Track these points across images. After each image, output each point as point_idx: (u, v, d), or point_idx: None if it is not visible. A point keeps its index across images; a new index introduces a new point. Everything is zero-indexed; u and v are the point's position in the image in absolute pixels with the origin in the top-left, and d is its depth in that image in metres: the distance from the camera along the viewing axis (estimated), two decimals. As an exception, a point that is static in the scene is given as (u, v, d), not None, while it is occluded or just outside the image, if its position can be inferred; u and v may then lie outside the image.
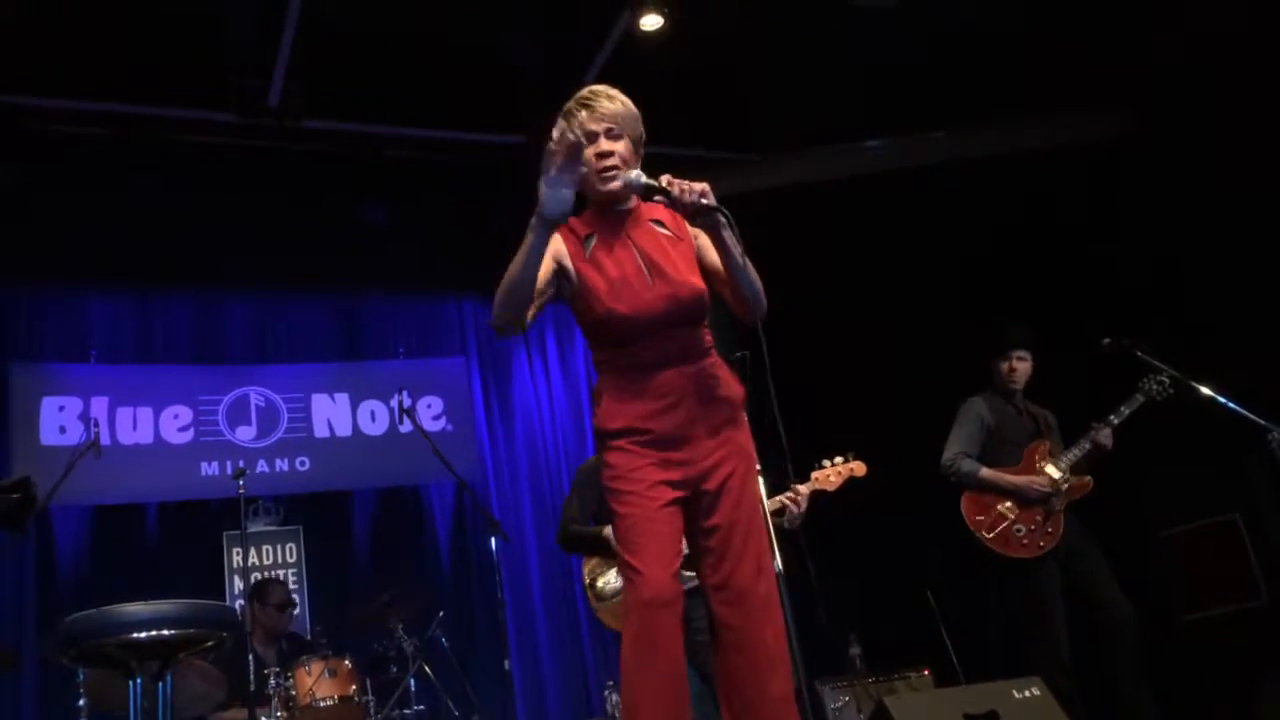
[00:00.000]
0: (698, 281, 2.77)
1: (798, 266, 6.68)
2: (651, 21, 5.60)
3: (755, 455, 2.83)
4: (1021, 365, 4.98)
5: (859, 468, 4.54)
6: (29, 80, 5.34)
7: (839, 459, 4.55)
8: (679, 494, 2.67)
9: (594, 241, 2.79)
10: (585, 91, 2.83)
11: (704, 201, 2.60)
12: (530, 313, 2.69)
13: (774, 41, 5.92)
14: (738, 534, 2.69)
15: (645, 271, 2.74)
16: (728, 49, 5.91)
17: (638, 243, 2.79)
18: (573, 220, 2.81)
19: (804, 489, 4.44)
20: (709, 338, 2.83)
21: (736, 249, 2.70)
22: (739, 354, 3.97)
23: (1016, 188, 6.55)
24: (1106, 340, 4.71)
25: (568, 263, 2.76)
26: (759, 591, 2.67)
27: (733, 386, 2.84)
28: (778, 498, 4.41)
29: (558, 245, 2.77)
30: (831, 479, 4.50)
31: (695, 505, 2.70)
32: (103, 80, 5.45)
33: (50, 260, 6.28)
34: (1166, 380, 4.63)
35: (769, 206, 6.66)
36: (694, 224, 2.75)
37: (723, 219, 2.65)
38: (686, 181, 2.62)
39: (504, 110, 5.98)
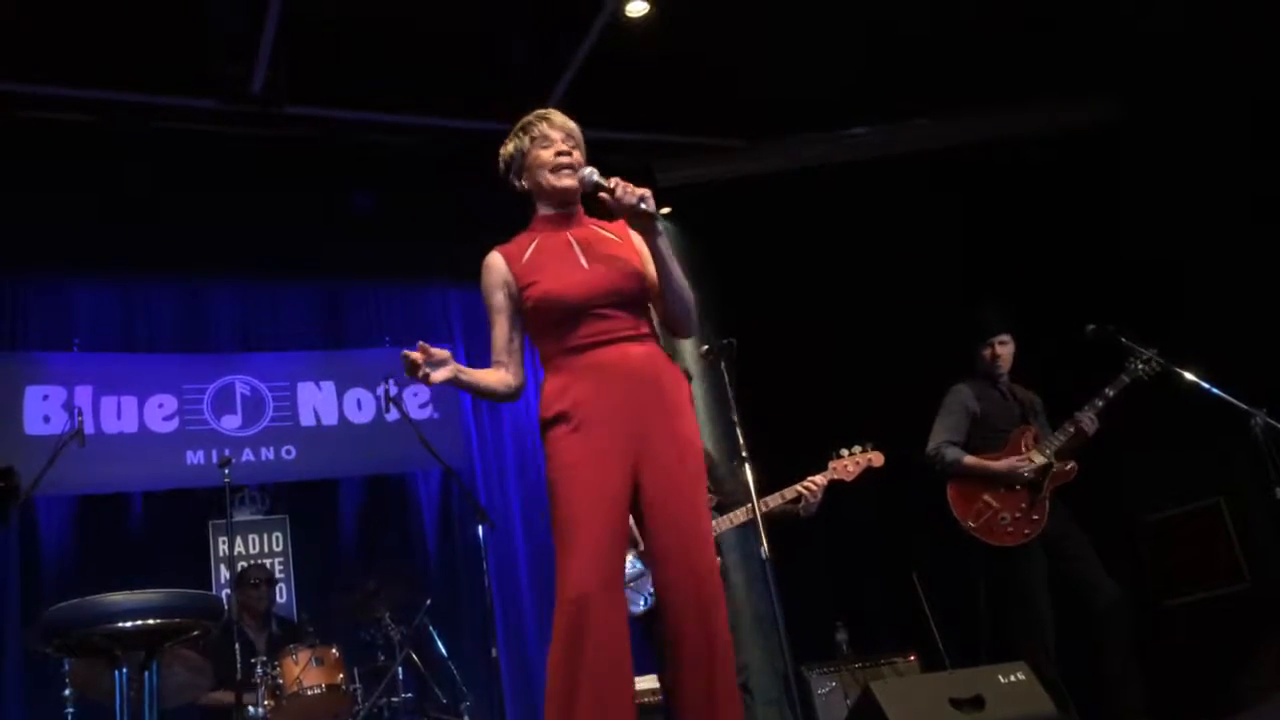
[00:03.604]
0: (638, 264, 2.82)
1: (782, 252, 6.71)
2: (637, 8, 5.59)
3: (701, 446, 2.82)
4: (1004, 350, 4.98)
5: (877, 458, 4.52)
6: (9, 66, 5.29)
7: (856, 448, 4.53)
8: (622, 485, 2.66)
9: (535, 245, 2.88)
10: (539, 110, 2.98)
11: (642, 206, 2.68)
12: (517, 372, 2.87)
13: (760, 27, 5.91)
14: (690, 529, 2.67)
15: (579, 255, 2.82)
16: (713, 35, 5.89)
17: (576, 238, 2.87)
18: (516, 237, 2.94)
19: (820, 479, 4.44)
20: (651, 325, 2.87)
21: (669, 255, 2.78)
22: (726, 340, 3.98)
23: (1003, 174, 6.57)
24: (1091, 327, 4.72)
25: (511, 278, 2.85)
26: (709, 587, 2.65)
27: (678, 376, 2.85)
28: (794, 487, 4.40)
29: (502, 273, 2.86)
30: (849, 468, 4.47)
31: (642, 497, 2.69)
32: (84, 66, 5.40)
33: (32, 248, 6.24)
34: (1151, 359, 4.62)
35: (754, 192, 6.68)
36: (631, 225, 2.81)
37: (658, 225, 2.73)
38: (631, 185, 2.71)
39: (489, 97, 5.95)
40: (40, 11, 5.10)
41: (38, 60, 5.32)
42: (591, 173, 2.82)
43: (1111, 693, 4.47)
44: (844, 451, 4.51)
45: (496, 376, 2.87)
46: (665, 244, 2.77)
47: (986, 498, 4.71)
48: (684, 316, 2.85)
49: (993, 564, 4.70)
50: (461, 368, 2.79)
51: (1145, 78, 6.25)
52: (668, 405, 2.74)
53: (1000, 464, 4.73)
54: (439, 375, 2.71)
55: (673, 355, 3.00)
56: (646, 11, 5.62)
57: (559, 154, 2.86)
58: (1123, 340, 4.68)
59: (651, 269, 2.85)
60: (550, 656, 2.59)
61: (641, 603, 4.35)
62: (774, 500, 4.38)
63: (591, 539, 2.60)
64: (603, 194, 2.76)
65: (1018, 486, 4.69)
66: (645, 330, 2.82)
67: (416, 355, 2.70)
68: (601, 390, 2.70)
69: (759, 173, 6.74)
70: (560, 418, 2.71)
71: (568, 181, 2.85)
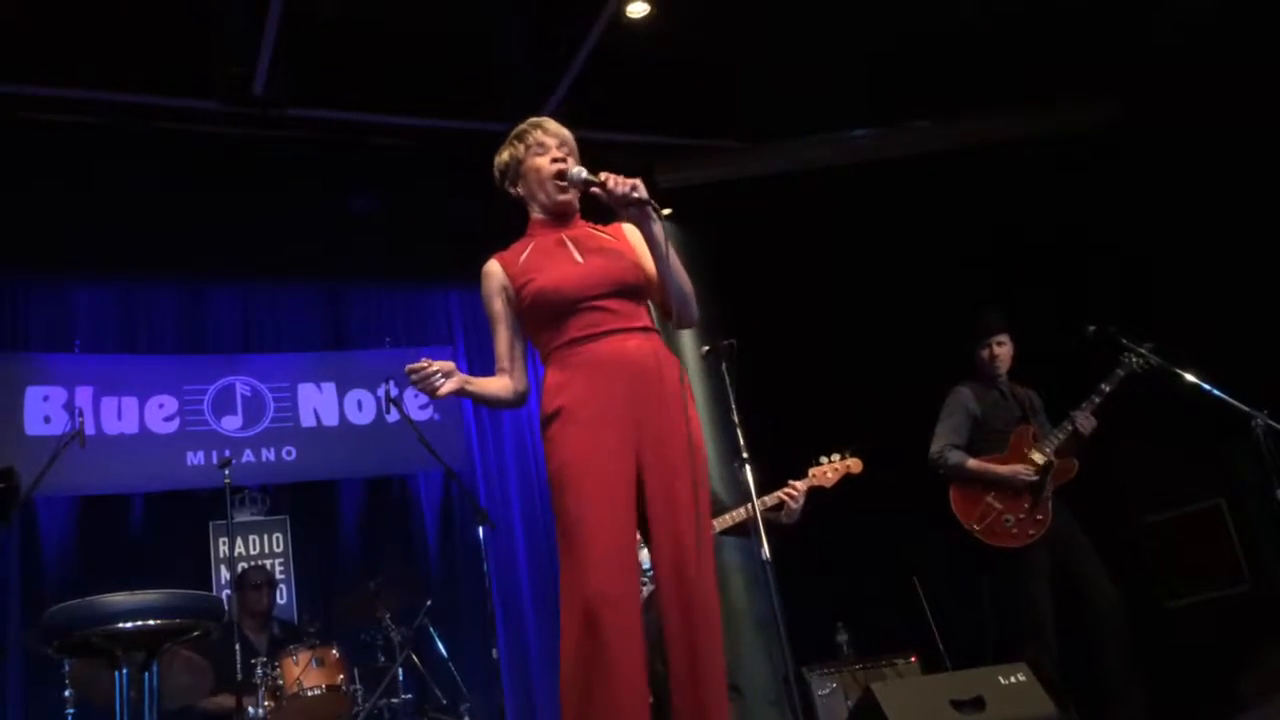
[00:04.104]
0: (633, 257, 2.85)
1: (782, 254, 6.71)
2: (638, 9, 5.59)
3: (703, 442, 2.82)
4: (1002, 350, 4.99)
5: (855, 465, 4.57)
6: (11, 67, 5.29)
7: (836, 456, 4.58)
8: (628, 478, 2.66)
9: (530, 248, 2.91)
10: (532, 118, 3.00)
11: (634, 194, 2.70)
12: (520, 377, 2.90)
13: (760, 30, 5.91)
14: (689, 526, 2.66)
15: (573, 251, 2.85)
16: (714, 37, 5.90)
17: (570, 237, 2.89)
18: (512, 246, 2.96)
19: (801, 485, 4.48)
20: (650, 318, 2.88)
21: (665, 243, 2.78)
22: (727, 341, 3.99)
23: (1002, 177, 6.56)
24: (1091, 328, 4.72)
25: (507, 282, 2.88)
26: (701, 585, 2.64)
27: (679, 369, 2.84)
28: (775, 494, 4.43)
29: (499, 280, 2.89)
30: (829, 475, 4.53)
31: (644, 491, 2.69)
32: (86, 68, 5.41)
33: (33, 249, 6.23)
34: (1146, 355, 4.63)
35: (754, 194, 6.68)
36: (625, 216, 2.82)
37: (652, 212, 2.74)
38: (620, 176, 2.74)
39: (490, 98, 5.96)
40: (41, 12, 5.11)
41: (39, 61, 5.32)
42: (580, 171, 2.85)
43: (1111, 696, 4.47)
44: (823, 459, 4.56)
45: (501, 384, 2.89)
46: (661, 231, 2.76)
47: (989, 500, 4.70)
48: (683, 304, 2.85)
49: (995, 564, 4.70)
50: (468, 378, 2.81)
51: (1146, 80, 6.25)
52: (668, 396, 2.73)
53: (1003, 469, 4.73)
54: (447, 387, 2.74)
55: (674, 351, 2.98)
56: (647, 13, 5.62)
57: (555, 160, 2.89)
58: (1123, 341, 4.68)
59: (648, 262, 2.86)
60: (564, 654, 2.57)
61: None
62: (751, 509, 4.39)
63: (605, 536, 2.59)
64: (594, 189, 2.78)
65: (1021, 488, 4.69)
66: (643, 322, 2.82)
67: (422, 367, 2.71)
68: (601, 383, 2.70)
69: (759, 174, 6.74)
70: (560, 412, 2.71)
71: (565, 195, 2.88)
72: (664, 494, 2.67)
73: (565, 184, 2.86)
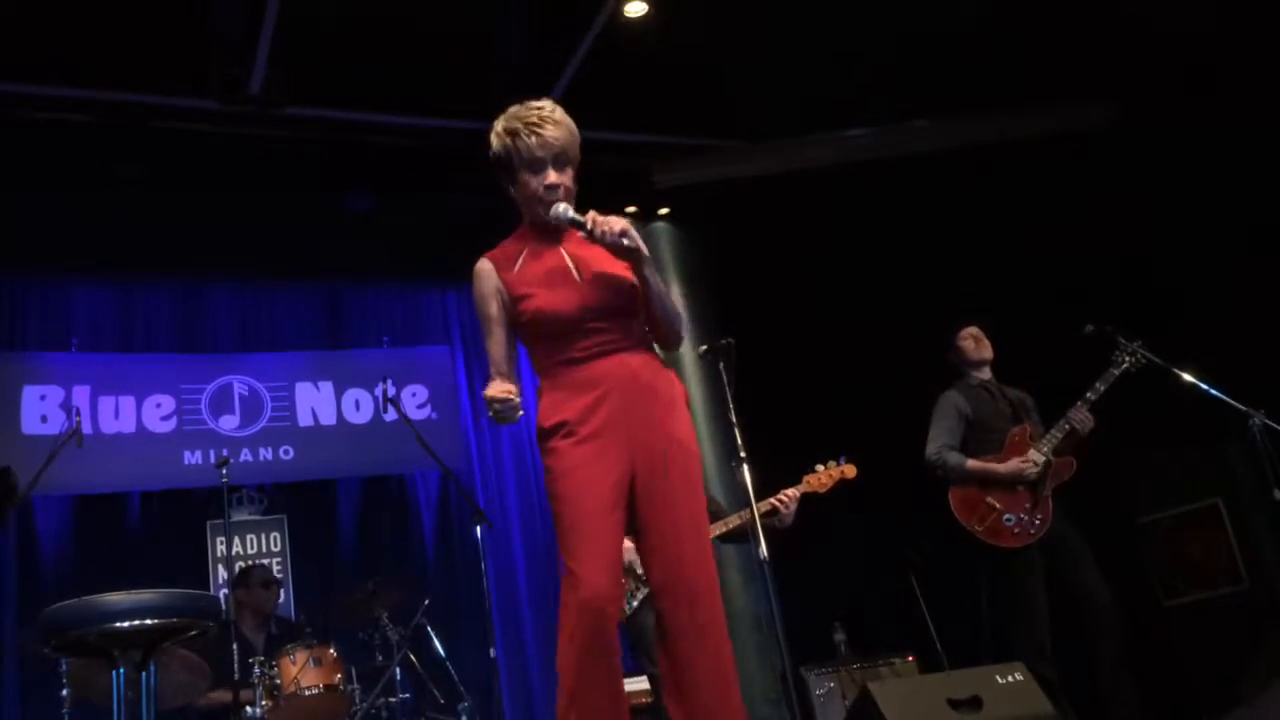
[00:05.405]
0: (628, 275, 2.80)
1: (778, 254, 6.71)
2: (636, 8, 5.59)
3: (697, 449, 2.83)
4: (983, 339, 5.02)
5: (850, 470, 4.61)
6: (8, 66, 5.28)
7: (831, 462, 4.60)
8: (620, 487, 2.69)
9: (525, 254, 2.86)
10: (530, 113, 2.79)
11: (624, 242, 2.66)
12: (516, 382, 2.80)
13: (759, 30, 5.90)
14: (682, 525, 2.70)
15: (574, 270, 2.80)
16: (712, 36, 5.89)
17: (568, 250, 2.85)
18: (504, 243, 2.92)
19: (794, 492, 4.51)
20: (643, 332, 2.87)
21: (656, 281, 2.78)
22: (724, 341, 3.98)
23: (1002, 176, 6.56)
24: (1089, 327, 4.72)
25: (504, 288, 2.84)
26: (700, 582, 2.68)
27: (672, 381, 2.86)
28: (768, 500, 4.45)
29: (494, 282, 2.84)
30: (823, 481, 4.56)
31: (637, 496, 2.72)
32: (84, 67, 5.40)
33: (31, 248, 6.23)
34: (1136, 350, 4.63)
35: (753, 194, 6.68)
36: (615, 255, 2.76)
37: (643, 254, 2.72)
38: (607, 220, 2.67)
39: (488, 98, 5.93)
40: (40, 11, 5.10)
41: (37, 60, 5.32)
42: (565, 210, 2.75)
43: (1107, 695, 4.47)
44: (819, 466, 4.59)
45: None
46: (652, 271, 2.77)
47: (990, 500, 4.69)
48: (673, 335, 2.88)
49: (991, 564, 4.70)
50: None
51: (1146, 80, 6.25)
52: (663, 410, 2.76)
53: (1005, 466, 4.71)
54: (519, 412, 2.71)
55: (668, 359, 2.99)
56: (645, 12, 5.61)
57: (549, 188, 2.75)
58: (1120, 340, 4.69)
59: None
60: (561, 657, 2.60)
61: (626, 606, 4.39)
62: (747, 514, 4.39)
63: (599, 545, 2.62)
64: (579, 231, 2.73)
65: (1020, 487, 4.69)
66: (638, 338, 2.84)
67: (508, 397, 2.66)
68: (599, 400, 2.72)
69: (758, 174, 6.74)
70: (560, 427, 2.72)
71: (548, 217, 2.80)
72: (657, 501, 2.70)
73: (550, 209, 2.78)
